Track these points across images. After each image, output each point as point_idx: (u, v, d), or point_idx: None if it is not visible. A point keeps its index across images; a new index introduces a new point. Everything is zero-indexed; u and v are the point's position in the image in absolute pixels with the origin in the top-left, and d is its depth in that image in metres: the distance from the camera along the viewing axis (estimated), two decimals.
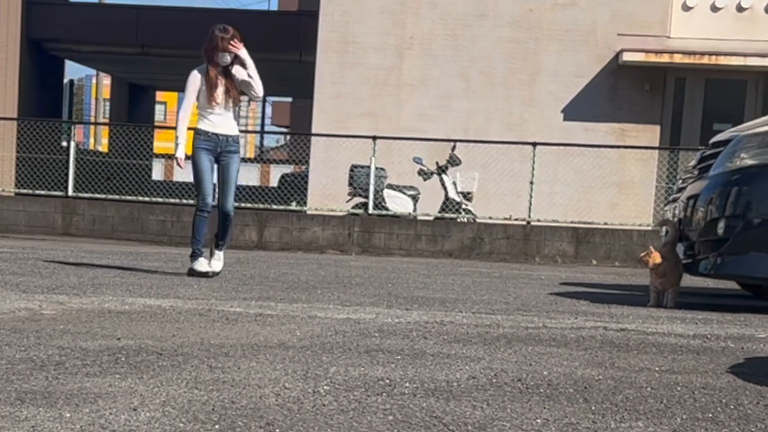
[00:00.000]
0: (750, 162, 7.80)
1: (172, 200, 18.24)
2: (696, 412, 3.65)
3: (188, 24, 28.50)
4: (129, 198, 18.47)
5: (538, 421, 3.42)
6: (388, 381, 4.02)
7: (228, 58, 9.18)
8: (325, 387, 3.83)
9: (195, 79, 9.22)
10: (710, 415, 3.62)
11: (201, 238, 9.30)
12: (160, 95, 48.30)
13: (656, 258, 7.94)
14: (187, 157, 9.32)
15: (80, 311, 5.99)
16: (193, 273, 9.22)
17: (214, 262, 9.32)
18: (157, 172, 41.64)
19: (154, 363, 4.23)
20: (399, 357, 4.67)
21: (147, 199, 18.50)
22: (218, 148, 9.24)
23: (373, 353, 4.76)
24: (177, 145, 9.24)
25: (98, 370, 4.03)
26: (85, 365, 4.12)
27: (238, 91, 9.27)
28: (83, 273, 8.98)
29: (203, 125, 9.25)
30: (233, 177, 9.30)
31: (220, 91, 9.18)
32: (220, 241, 9.39)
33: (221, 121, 9.25)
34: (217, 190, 9.33)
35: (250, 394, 3.64)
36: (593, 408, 3.64)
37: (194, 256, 9.31)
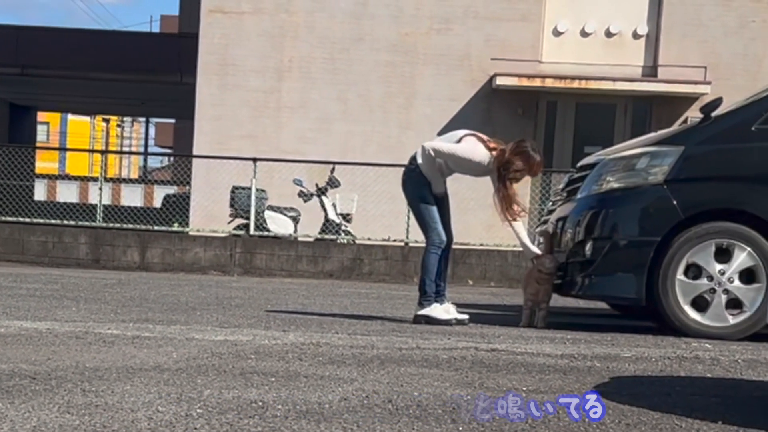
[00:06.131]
0: (615, 185, 8.05)
1: (53, 221, 18.01)
2: None
3: (69, 45, 28.26)
4: (9, 219, 18.16)
5: None
6: (261, 403, 4.07)
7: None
8: (198, 410, 3.87)
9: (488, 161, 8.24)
10: None
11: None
12: (42, 116, 47.50)
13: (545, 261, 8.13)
14: None
15: None
16: (431, 321, 8.03)
17: (452, 308, 8.27)
18: (40, 193, 40.84)
19: (26, 387, 4.23)
20: (273, 379, 4.73)
21: (28, 220, 18.23)
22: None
23: (248, 375, 4.81)
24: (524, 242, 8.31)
25: None
26: None
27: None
28: None
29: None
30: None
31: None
32: (443, 282, 8.33)
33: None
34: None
35: (123, 417, 3.67)
36: (460, 428, 3.75)
37: (429, 301, 8.15)
